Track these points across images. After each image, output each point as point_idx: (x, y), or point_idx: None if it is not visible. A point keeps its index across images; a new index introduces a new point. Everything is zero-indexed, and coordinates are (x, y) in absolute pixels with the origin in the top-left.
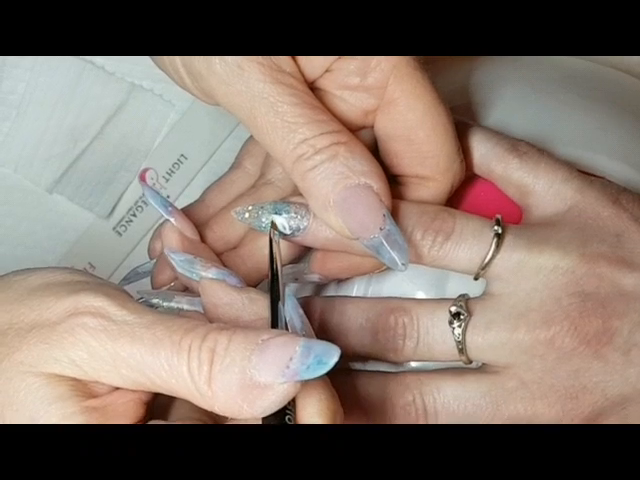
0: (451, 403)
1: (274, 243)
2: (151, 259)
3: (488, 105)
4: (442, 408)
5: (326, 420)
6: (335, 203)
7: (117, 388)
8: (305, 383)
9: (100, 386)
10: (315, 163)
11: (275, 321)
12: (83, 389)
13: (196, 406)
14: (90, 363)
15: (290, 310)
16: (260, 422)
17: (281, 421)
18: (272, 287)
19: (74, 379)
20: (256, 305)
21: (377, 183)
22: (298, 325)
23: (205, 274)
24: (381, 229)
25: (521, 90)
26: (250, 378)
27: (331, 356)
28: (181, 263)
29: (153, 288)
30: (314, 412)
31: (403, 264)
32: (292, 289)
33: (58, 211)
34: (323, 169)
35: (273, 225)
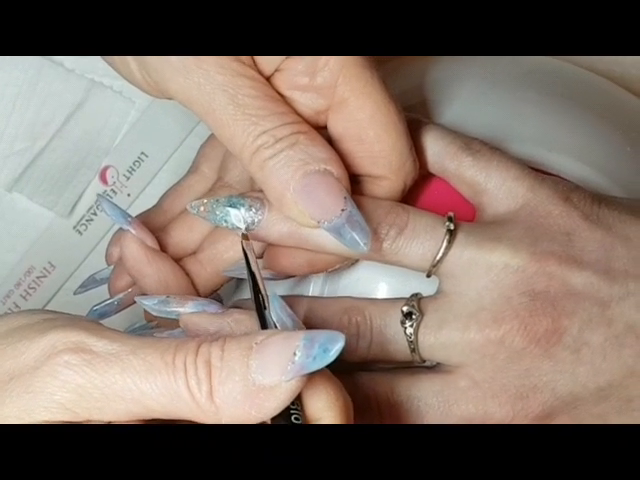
0: (404, 403)
1: (248, 251)
2: (109, 265)
3: (444, 103)
4: (395, 408)
5: (338, 412)
6: (295, 190)
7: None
8: (309, 378)
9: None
10: (275, 151)
11: (265, 327)
12: None
13: None
14: (80, 403)
15: (278, 311)
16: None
17: (288, 419)
18: (255, 296)
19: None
20: (243, 324)
21: (337, 170)
22: (290, 324)
23: (183, 310)
24: (342, 210)
25: (478, 87)
26: (253, 383)
27: (336, 342)
28: (155, 306)
29: (111, 295)
30: (323, 406)
31: (365, 244)
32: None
33: (18, 210)
34: (283, 156)
35: (244, 236)
